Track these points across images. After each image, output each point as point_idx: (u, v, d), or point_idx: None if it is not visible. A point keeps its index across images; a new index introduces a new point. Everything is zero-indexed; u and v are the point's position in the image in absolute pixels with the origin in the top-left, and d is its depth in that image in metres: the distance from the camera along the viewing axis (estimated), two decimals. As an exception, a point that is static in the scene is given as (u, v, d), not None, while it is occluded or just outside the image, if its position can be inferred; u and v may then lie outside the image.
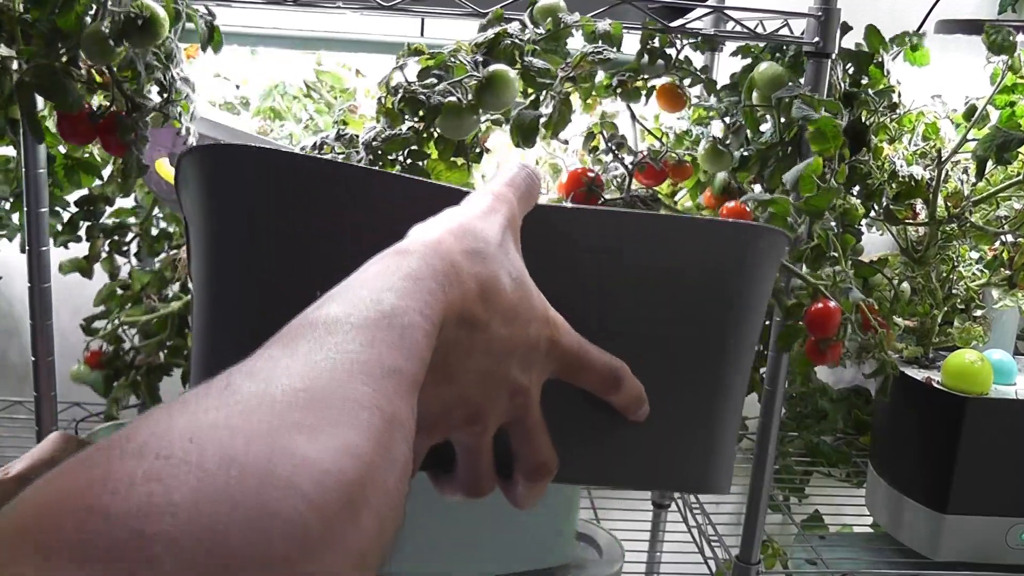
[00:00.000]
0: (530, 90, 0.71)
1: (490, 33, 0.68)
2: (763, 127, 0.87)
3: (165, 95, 0.71)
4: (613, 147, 0.73)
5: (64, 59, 0.70)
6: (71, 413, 1.22)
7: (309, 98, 0.98)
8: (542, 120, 0.72)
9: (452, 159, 0.69)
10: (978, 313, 1.04)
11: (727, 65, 1.16)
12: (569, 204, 0.62)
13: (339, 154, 0.67)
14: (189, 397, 0.27)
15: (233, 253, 0.60)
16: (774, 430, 0.87)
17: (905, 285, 1.01)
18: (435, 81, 0.63)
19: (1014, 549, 1.01)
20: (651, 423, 0.57)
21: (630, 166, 0.73)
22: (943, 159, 0.89)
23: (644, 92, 0.82)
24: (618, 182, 0.77)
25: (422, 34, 1.05)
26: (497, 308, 0.42)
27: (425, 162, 0.67)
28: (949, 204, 0.93)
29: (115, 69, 0.72)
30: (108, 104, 0.73)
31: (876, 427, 1.17)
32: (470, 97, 0.62)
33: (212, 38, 0.77)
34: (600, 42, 0.75)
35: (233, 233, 0.59)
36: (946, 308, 1.01)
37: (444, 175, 0.66)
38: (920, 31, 1.17)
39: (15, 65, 0.69)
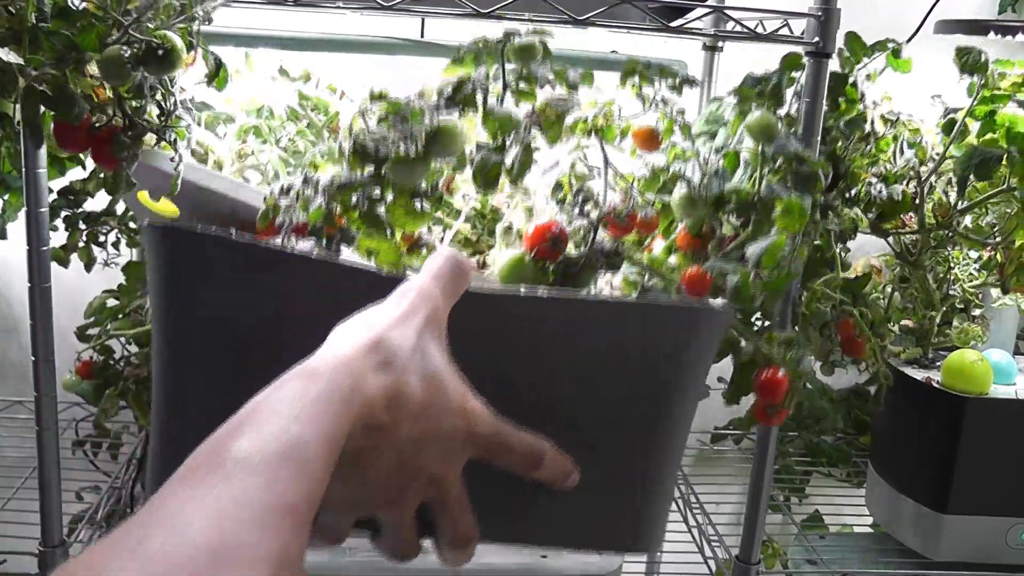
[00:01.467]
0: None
1: (454, 79, 0.69)
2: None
3: (164, 119, 0.72)
4: (579, 202, 0.74)
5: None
6: (71, 413, 1.22)
7: (292, 120, 0.98)
8: (505, 166, 0.72)
9: (411, 205, 0.70)
10: (977, 312, 1.04)
11: (727, 65, 1.16)
12: (508, 289, 0.64)
13: (306, 197, 0.67)
14: (107, 552, 0.31)
15: (186, 326, 0.64)
16: (774, 430, 0.87)
17: (897, 295, 1.01)
18: (385, 130, 0.64)
19: (1014, 549, 1.01)
20: (585, 488, 0.58)
21: (595, 221, 0.74)
22: (923, 178, 0.88)
23: (620, 132, 0.83)
24: (584, 232, 0.76)
25: (422, 35, 1.05)
26: (405, 412, 0.46)
27: (383, 208, 0.67)
28: (937, 214, 0.92)
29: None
30: (108, 117, 0.74)
31: (876, 427, 1.17)
32: (420, 147, 0.63)
33: (218, 74, 0.78)
34: (569, 89, 0.77)
35: (186, 307, 0.64)
36: (944, 308, 1.01)
37: (402, 220, 0.67)
38: (910, 39, 1.17)
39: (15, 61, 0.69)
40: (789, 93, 0.89)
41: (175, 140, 0.73)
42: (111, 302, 1.11)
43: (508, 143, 0.71)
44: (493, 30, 1.00)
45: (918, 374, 1.04)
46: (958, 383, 0.99)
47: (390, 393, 0.46)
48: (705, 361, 0.68)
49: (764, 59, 0.87)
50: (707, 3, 0.96)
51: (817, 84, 0.80)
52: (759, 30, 0.82)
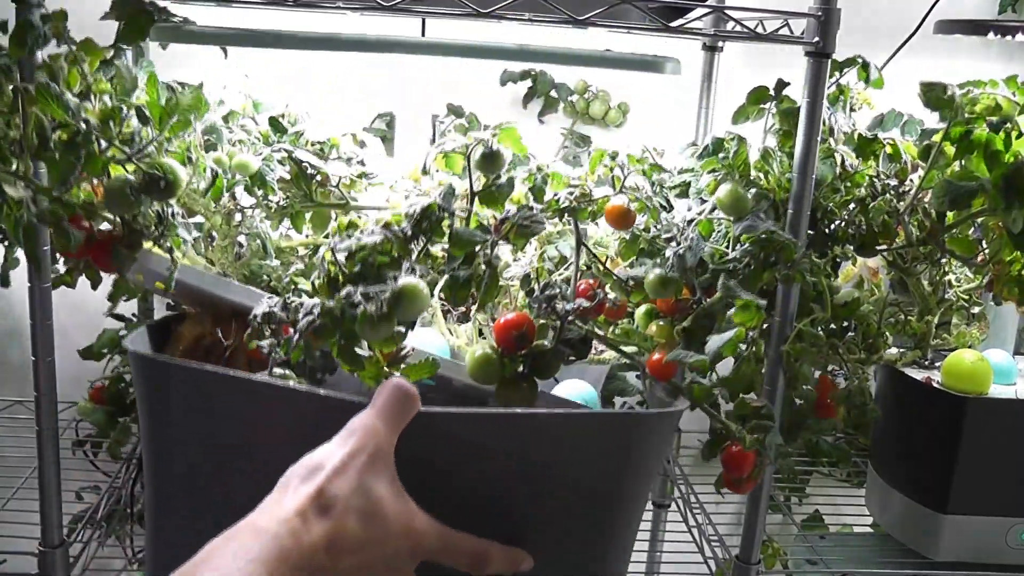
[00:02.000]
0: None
1: (418, 206, 0.72)
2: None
3: (162, 228, 0.74)
4: (545, 299, 0.75)
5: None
6: (71, 413, 1.22)
7: (283, 188, 0.98)
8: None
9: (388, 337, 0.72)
10: (975, 310, 1.03)
11: (726, 65, 1.16)
12: (454, 409, 0.67)
13: (286, 322, 0.70)
14: None
15: (163, 447, 0.71)
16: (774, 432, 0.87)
17: (888, 310, 1.00)
18: (352, 292, 0.66)
19: (1014, 549, 1.01)
20: (547, 569, 0.66)
21: (562, 316, 0.75)
22: (902, 211, 0.87)
23: (593, 212, 0.85)
24: (552, 321, 0.77)
25: (423, 34, 1.05)
26: (345, 550, 0.53)
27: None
28: (922, 231, 0.91)
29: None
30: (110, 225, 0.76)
31: (876, 427, 1.17)
32: (384, 309, 0.65)
33: (214, 183, 0.81)
34: (535, 199, 0.81)
35: (161, 429, 0.70)
36: (941, 310, 1.00)
37: (380, 345, 0.69)
38: (908, 39, 1.17)
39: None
40: (760, 126, 0.91)
41: (171, 248, 0.75)
42: (124, 332, 1.12)
43: (475, 256, 0.74)
44: (493, 30, 1.00)
45: (918, 374, 1.04)
46: (958, 383, 0.99)
47: (331, 537, 0.52)
48: (650, 462, 0.75)
49: (764, 62, 0.88)
50: (707, 3, 0.96)
51: (817, 84, 0.79)
52: (759, 30, 0.82)
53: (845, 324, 0.90)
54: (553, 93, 1.33)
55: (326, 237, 0.97)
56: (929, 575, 1.03)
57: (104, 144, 0.71)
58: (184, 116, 0.74)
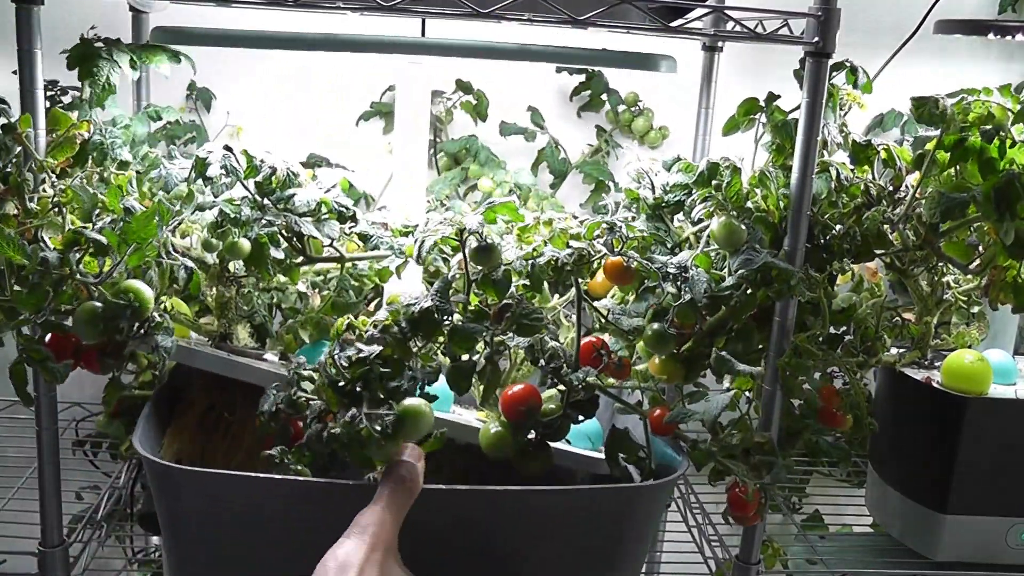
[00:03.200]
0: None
1: (416, 309, 0.74)
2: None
3: (143, 330, 0.74)
4: (550, 373, 0.77)
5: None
6: (71, 413, 1.22)
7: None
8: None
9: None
10: (975, 310, 1.03)
11: (727, 65, 1.16)
12: (447, 487, 0.72)
13: (293, 417, 0.72)
14: None
15: (180, 544, 0.76)
16: (774, 430, 0.87)
17: (886, 314, 1.00)
18: (356, 415, 0.67)
19: (1014, 549, 1.01)
20: None
21: (567, 384, 0.77)
22: (897, 220, 0.86)
23: (591, 271, 0.87)
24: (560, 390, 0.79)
25: (423, 34, 1.05)
26: None
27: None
28: (918, 237, 0.90)
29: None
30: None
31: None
32: (389, 431, 0.67)
33: (191, 280, 0.82)
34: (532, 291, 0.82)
35: (178, 530, 0.75)
36: (940, 311, 1.00)
37: None
38: (909, 39, 1.17)
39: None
40: (751, 135, 0.91)
41: (156, 346, 0.75)
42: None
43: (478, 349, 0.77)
44: (493, 29, 1.00)
45: (918, 374, 1.04)
46: (958, 383, 0.99)
47: None
48: (646, 528, 0.79)
49: (764, 59, 0.88)
50: (707, 3, 0.96)
51: (817, 84, 0.79)
52: (759, 30, 0.82)
53: (843, 328, 0.90)
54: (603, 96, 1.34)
55: (314, 283, 1.00)
56: (929, 575, 1.03)
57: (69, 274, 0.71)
58: (140, 243, 0.73)
